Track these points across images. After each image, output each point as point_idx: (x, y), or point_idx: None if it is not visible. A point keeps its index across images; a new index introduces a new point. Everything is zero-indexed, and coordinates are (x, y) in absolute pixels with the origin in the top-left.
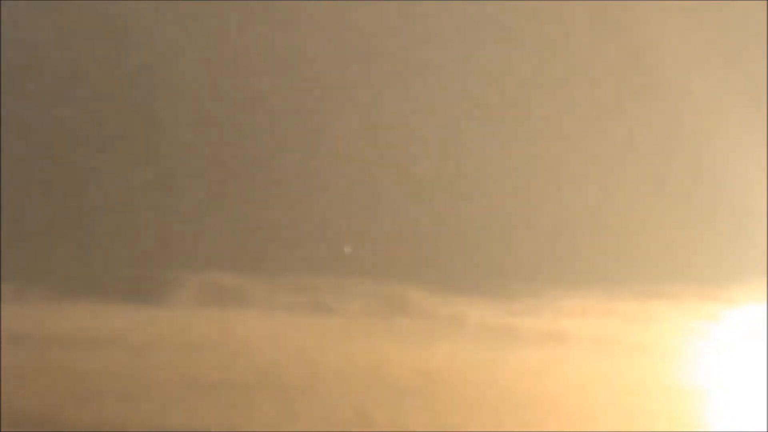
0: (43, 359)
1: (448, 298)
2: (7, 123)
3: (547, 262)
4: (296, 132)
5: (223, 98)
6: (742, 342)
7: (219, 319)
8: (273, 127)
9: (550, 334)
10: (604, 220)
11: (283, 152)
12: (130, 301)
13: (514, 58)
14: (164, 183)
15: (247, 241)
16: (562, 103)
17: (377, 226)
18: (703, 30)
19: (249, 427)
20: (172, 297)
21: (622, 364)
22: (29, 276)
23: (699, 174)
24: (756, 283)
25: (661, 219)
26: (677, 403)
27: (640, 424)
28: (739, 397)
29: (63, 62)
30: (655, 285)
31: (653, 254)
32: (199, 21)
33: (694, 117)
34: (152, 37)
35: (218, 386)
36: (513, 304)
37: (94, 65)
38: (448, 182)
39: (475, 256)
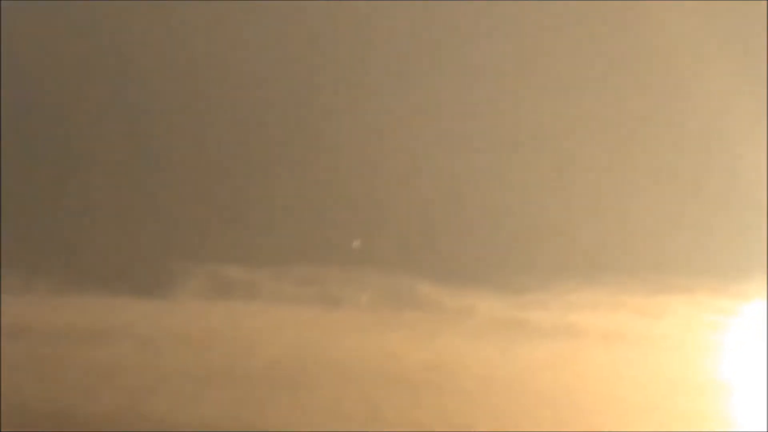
0: (48, 352)
1: (456, 291)
2: (10, 117)
3: (556, 255)
4: (305, 125)
5: (229, 92)
6: (757, 336)
7: (226, 312)
8: (281, 120)
9: (560, 328)
10: (614, 213)
11: (291, 145)
12: (137, 294)
13: (524, 54)
14: (171, 176)
15: (254, 233)
16: (572, 98)
17: (386, 218)
18: (703, 31)
19: (256, 419)
20: (179, 289)
21: (633, 358)
22: (34, 268)
23: (711, 167)
24: None
25: (672, 212)
26: (690, 397)
27: (652, 420)
28: (754, 392)
29: (66, 58)
30: (667, 278)
31: (665, 247)
32: (198, 20)
33: (701, 111)
34: (155, 35)
35: (225, 379)
36: (522, 297)
37: (101, 60)
38: (457, 175)
39: (485, 248)
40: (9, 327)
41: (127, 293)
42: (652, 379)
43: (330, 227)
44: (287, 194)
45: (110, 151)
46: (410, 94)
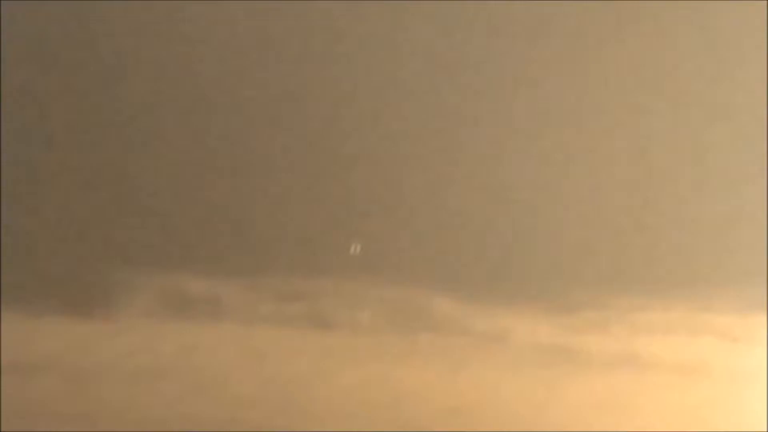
0: None
1: (486, 310)
2: None
3: (617, 264)
4: (296, 115)
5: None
6: None
7: (185, 336)
8: (256, 100)
9: (622, 357)
10: (690, 211)
11: (272, 129)
12: (71, 313)
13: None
14: (111, 166)
15: (222, 236)
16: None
17: (392, 217)
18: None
19: None
20: (124, 307)
21: (715, 395)
22: None
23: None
24: None
25: (762, 211)
26: None
27: None
28: None
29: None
30: (759, 294)
31: (755, 255)
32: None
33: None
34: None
35: (184, 422)
36: (572, 317)
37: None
38: (480, 164)
39: (522, 257)
40: None
41: (59, 313)
42: (742, 422)
43: (320, 228)
44: (264, 188)
45: (51, 142)
46: (421, 89)
